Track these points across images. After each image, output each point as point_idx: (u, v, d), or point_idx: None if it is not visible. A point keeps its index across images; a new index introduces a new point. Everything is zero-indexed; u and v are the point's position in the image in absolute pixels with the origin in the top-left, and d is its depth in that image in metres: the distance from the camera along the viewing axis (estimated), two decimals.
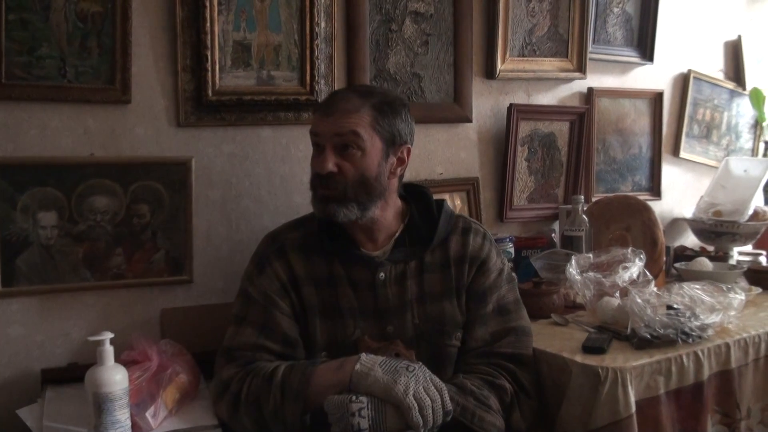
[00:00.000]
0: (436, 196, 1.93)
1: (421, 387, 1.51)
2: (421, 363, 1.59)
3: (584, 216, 2.48)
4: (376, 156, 1.75)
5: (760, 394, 2.02)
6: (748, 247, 3.07)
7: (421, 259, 1.82)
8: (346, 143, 1.72)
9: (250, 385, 1.64)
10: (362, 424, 1.48)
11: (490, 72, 2.61)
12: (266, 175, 2.23)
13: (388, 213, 1.83)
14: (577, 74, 2.82)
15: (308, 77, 2.21)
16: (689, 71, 3.21)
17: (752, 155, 3.48)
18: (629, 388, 1.70)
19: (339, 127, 1.71)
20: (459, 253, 1.84)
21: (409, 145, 1.84)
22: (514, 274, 1.94)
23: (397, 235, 1.84)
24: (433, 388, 1.53)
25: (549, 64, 2.75)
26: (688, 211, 3.17)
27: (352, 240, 1.81)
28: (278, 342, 1.73)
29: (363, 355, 1.58)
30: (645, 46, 3.02)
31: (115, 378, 1.57)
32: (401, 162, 1.83)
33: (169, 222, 2.08)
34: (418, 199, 1.89)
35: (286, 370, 1.63)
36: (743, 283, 2.52)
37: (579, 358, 1.78)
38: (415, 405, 1.49)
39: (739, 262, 2.87)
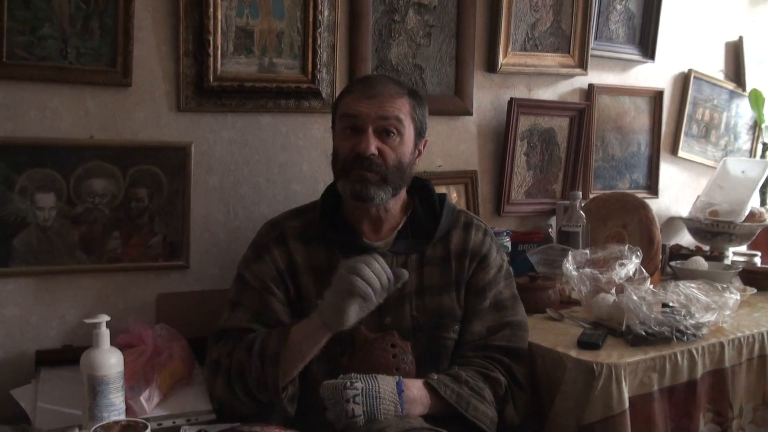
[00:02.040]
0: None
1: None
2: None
3: (581, 212, 2.48)
4: (410, 144, 1.77)
5: (753, 393, 2.03)
6: (744, 248, 3.08)
7: (422, 252, 1.82)
8: (388, 128, 1.71)
9: (235, 357, 1.66)
10: (356, 410, 1.50)
11: (491, 65, 2.61)
12: (265, 162, 2.22)
13: (397, 203, 1.83)
14: (578, 70, 2.82)
15: (310, 65, 2.21)
16: (690, 71, 3.22)
17: (750, 156, 3.49)
18: (623, 384, 1.71)
19: (384, 110, 1.71)
20: (460, 247, 1.84)
21: (426, 139, 1.86)
22: (511, 270, 1.94)
23: (399, 227, 1.83)
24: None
25: (551, 60, 2.75)
26: (684, 210, 3.18)
27: (354, 230, 1.81)
28: (271, 328, 1.72)
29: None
30: (647, 44, 3.02)
31: (111, 361, 1.57)
32: (419, 154, 1.85)
33: (167, 207, 2.07)
34: (421, 192, 1.89)
35: (264, 335, 1.65)
36: (738, 283, 2.52)
37: (574, 353, 1.79)
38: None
39: (734, 262, 2.88)
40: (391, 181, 1.73)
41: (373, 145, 1.70)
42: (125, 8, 1.94)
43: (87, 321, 1.60)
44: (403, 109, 1.73)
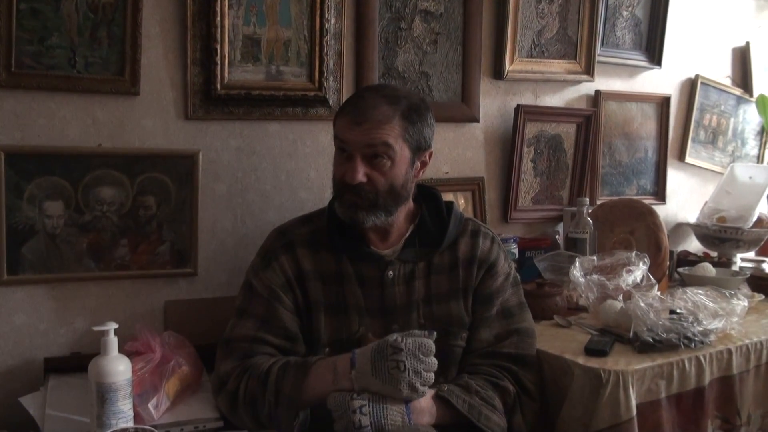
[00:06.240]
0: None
1: (419, 379, 1.51)
2: (402, 336, 1.54)
3: (589, 218, 2.48)
4: (404, 165, 1.74)
5: (761, 400, 2.02)
6: (752, 254, 3.08)
7: (430, 260, 1.82)
8: (377, 153, 1.69)
9: (247, 384, 1.65)
10: (363, 420, 1.49)
11: (498, 72, 2.61)
12: (272, 170, 2.23)
13: (401, 214, 1.82)
14: (585, 77, 2.82)
15: (317, 73, 2.22)
16: (697, 76, 3.22)
17: (758, 162, 3.49)
18: (630, 391, 1.71)
19: (370, 137, 1.68)
20: (468, 255, 1.84)
21: (432, 149, 1.83)
22: (519, 277, 1.94)
23: (407, 235, 1.83)
24: (423, 371, 1.53)
25: (557, 66, 2.75)
26: (692, 217, 3.18)
27: (362, 237, 1.81)
28: (279, 336, 1.73)
29: (356, 356, 1.57)
30: (653, 50, 3.02)
31: (119, 368, 1.57)
32: (424, 165, 1.83)
33: (174, 214, 2.08)
34: (429, 200, 1.89)
35: (279, 372, 1.62)
36: (746, 289, 2.51)
37: (581, 360, 1.78)
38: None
39: (742, 268, 2.87)
40: (383, 205, 1.73)
41: (361, 173, 1.69)
42: (133, 18, 1.95)
43: (95, 329, 1.60)
44: (392, 133, 1.69)
